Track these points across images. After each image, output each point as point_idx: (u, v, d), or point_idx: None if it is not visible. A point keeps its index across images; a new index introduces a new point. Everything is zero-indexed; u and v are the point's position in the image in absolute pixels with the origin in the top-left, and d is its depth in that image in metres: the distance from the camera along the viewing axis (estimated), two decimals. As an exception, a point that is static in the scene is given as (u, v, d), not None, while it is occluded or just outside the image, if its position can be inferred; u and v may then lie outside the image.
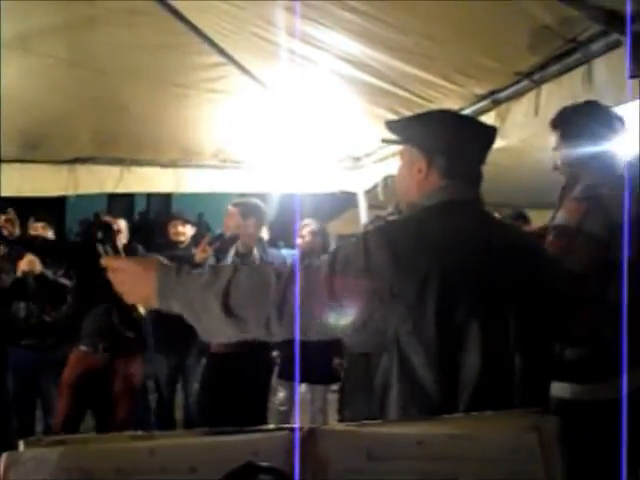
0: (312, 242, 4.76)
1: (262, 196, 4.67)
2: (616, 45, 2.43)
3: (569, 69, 2.74)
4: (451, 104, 3.56)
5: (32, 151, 4.75)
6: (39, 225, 4.77)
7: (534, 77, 2.98)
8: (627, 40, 2.18)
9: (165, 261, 1.59)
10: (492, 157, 1.72)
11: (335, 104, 4.21)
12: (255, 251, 4.12)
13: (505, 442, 0.78)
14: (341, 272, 1.44)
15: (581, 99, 2.54)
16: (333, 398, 5.24)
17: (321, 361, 4.69)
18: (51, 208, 5.71)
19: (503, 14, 2.62)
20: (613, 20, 2.33)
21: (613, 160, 2.36)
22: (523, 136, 3.24)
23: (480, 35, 2.89)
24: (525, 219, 5.37)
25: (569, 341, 1.78)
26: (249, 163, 5.04)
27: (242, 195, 4.75)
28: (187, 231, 5.45)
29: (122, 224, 4.34)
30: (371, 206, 5.23)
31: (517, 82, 3.11)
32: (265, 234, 4.80)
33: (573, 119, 2.40)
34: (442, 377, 1.42)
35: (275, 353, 4.93)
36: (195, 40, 3.89)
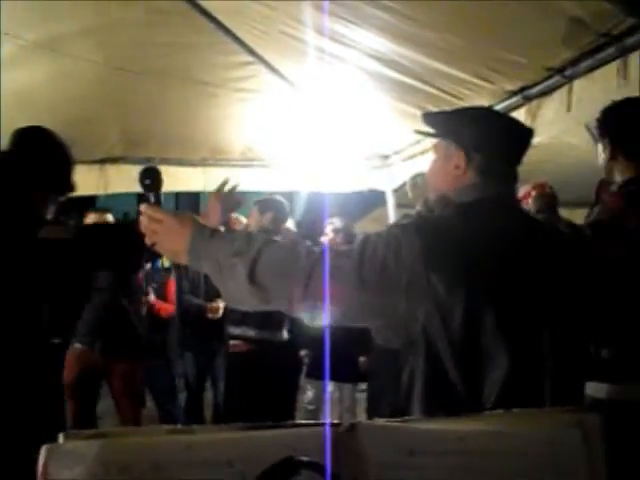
0: (335, 239, 4.75)
1: (290, 195, 4.68)
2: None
3: (602, 64, 2.69)
4: (481, 101, 3.53)
5: (65, 151, 4.79)
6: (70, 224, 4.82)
7: (565, 73, 2.93)
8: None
9: (200, 221, 1.59)
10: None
11: (363, 102, 4.20)
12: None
13: (547, 438, 0.77)
14: (370, 261, 1.43)
15: (615, 95, 2.50)
16: (361, 397, 5.24)
17: (349, 360, 4.69)
18: (81, 207, 5.77)
19: (533, 9, 2.58)
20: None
21: None
22: (554, 133, 3.20)
23: (510, 30, 2.86)
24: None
25: (606, 340, 1.76)
26: (277, 162, 5.05)
27: (271, 194, 4.76)
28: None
29: (109, 219, 4.37)
30: (399, 205, 5.21)
31: (548, 78, 3.06)
32: (293, 228, 4.82)
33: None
34: (469, 375, 1.40)
35: (303, 352, 4.94)
36: (224, 40, 3.90)
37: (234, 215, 5.21)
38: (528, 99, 3.25)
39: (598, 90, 2.75)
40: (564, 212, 5.67)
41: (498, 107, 3.42)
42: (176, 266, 5.60)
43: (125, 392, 4.29)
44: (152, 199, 1.69)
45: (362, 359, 4.75)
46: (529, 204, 2.55)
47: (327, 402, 4.85)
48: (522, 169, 1.77)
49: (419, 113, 3.96)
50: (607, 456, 0.85)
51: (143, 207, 1.62)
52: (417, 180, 4.64)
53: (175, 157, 4.89)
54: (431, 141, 4.32)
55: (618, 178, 2.26)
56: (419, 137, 4.26)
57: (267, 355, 4.35)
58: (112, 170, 5.00)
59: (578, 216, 3.03)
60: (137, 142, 4.84)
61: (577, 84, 2.91)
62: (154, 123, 4.62)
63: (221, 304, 4.98)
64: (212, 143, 4.81)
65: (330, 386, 5.14)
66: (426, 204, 4.35)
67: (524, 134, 1.68)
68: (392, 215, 5.20)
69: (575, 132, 3.44)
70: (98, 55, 4.02)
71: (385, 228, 1.53)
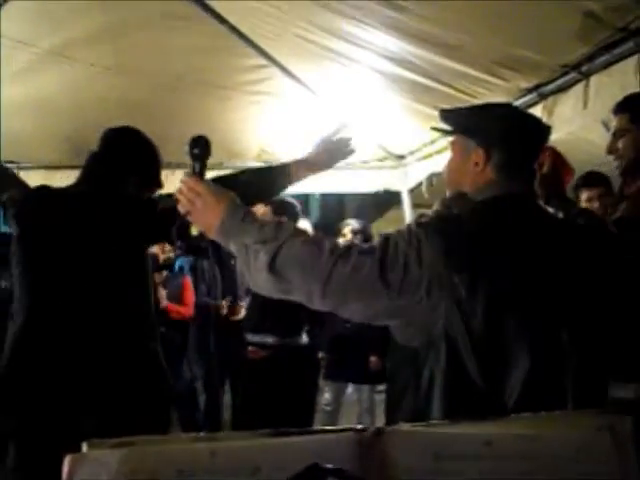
0: (353, 240, 4.74)
1: (306, 196, 4.67)
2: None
3: (620, 59, 2.66)
4: (496, 99, 3.50)
5: (78, 157, 4.81)
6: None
7: (582, 69, 2.91)
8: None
9: (238, 201, 1.59)
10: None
11: (378, 102, 4.19)
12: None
13: (576, 442, 0.75)
14: (392, 260, 1.43)
15: (633, 90, 2.47)
16: (380, 398, 5.22)
17: (366, 360, 4.68)
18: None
19: (547, 5, 2.56)
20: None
21: None
22: (571, 129, 3.16)
23: (524, 27, 2.83)
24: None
25: (632, 341, 1.73)
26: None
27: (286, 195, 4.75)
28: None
29: None
30: (415, 205, 5.18)
31: (564, 74, 3.03)
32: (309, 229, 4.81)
33: None
34: (490, 375, 1.39)
35: (321, 354, 4.93)
36: (238, 43, 3.91)
37: None
38: (544, 96, 3.23)
39: (615, 86, 2.72)
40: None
41: (514, 105, 3.41)
42: (193, 268, 5.62)
43: None
44: (197, 169, 1.68)
45: (373, 358, 4.72)
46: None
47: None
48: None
49: (434, 113, 3.95)
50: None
51: (185, 175, 1.63)
52: (433, 180, 4.62)
53: (190, 161, 4.90)
54: (447, 140, 4.31)
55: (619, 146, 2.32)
56: (434, 137, 4.24)
57: (286, 359, 4.35)
58: (128, 175, 5.01)
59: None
60: (152, 147, 4.85)
61: (593, 80, 2.88)
62: (169, 127, 4.61)
63: (243, 304, 4.99)
64: (228, 146, 4.82)
65: (348, 388, 5.14)
66: (443, 204, 4.32)
67: (542, 131, 1.67)
68: (408, 215, 5.18)
69: (592, 128, 3.42)
70: (111, 61, 4.04)
71: (405, 227, 1.52)
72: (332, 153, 2.34)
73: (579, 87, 2.97)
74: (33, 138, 4.54)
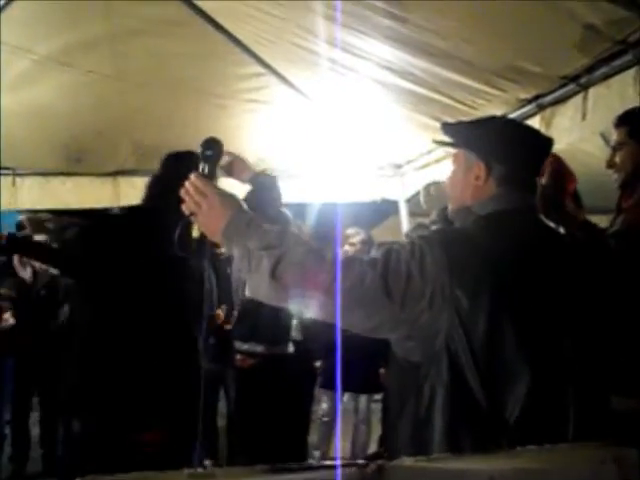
0: (362, 251, 4.72)
1: (303, 205, 4.66)
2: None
3: (618, 71, 2.66)
4: (494, 110, 3.50)
5: (76, 164, 4.81)
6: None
7: (580, 81, 2.91)
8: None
9: (244, 205, 1.58)
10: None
11: (376, 112, 4.18)
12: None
13: (582, 476, 0.73)
14: (395, 271, 1.41)
15: (632, 102, 2.47)
16: (377, 407, 5.20)
17: (364, 370, 4.66)
18: (95, 219, 5.78)
19: (546, 16, 2.56)
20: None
21: None
22: (570, 141, 3.15)
23: (523, 39, 2.83)
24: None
25: (633, 355, 1.71)
26: (290, 172, 5.03)
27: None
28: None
29: None
30: (413, 214, 5.18)
31: (563, 86, 3.03)
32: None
33: None
34: (492, 389, 1.38)
35: (318, 363, 4.91)
36: (235, 51, 3.91)
37: None
38: (542, 107, 3.22)
39: (614, 98, 2.72)
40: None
41: (512, 116, 3.40)
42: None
43: None
44: (206, 170, 1.66)
45: (382, 371, 4.71)
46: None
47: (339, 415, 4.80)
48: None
49: (432, 123, 3.97)
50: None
51: (194, 176, 1.60)
52: (430, 189, 4.61)
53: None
54: (444, 150, 4.32)
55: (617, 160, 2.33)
56: (432, 146, 4.24)
57: (277, 368, 4.33)
58: (125, 183, 5.01)
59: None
60: (150, 154, 4.82)
61: (592, 92, 2.87)
62: (166, 135, 4.60)
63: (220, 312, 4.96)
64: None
65: (345, 396, 5.11)
66: (441, 213, 4.30)
67: (544, 144, 1.66)
68: (405, 224, 5.18)
69: (590, 140, 3.42)
70: (109, 68, 4.03)
71: (408, 239, 1.51)
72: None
73: (578, 99, 2.96)
74: (30, 144, 4.52)
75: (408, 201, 5.16)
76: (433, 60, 3.19)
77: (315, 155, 4.84)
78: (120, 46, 3.91)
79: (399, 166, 5.10)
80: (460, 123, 1.78)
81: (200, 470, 0.79)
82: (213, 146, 1.71)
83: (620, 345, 1.56)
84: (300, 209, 4.38)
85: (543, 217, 1.67)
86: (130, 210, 2.59)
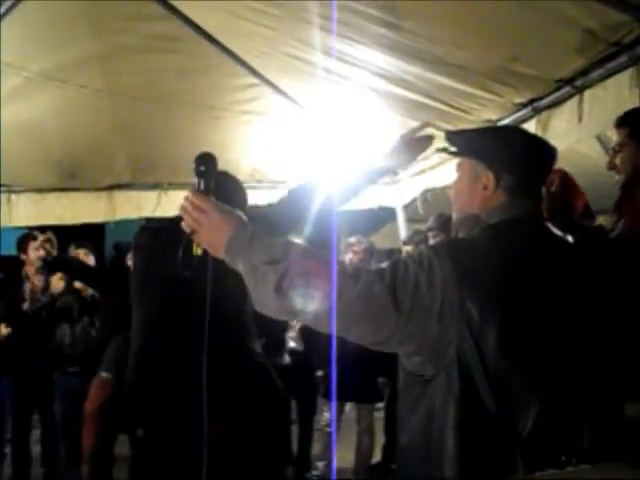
0: (365, 260, 4.70)
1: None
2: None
3: (614, 73, 2.65)
4: (489, 114, 3.50)
5: (71, 180, 4.81)
6: (80, 252, 4.80)
7: (576, 83, 2.90)
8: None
9: (245, 219, 1.55)
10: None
11: (371, 120, 4.18)
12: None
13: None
14: (403, 282, 1.39)
15: (627, 104, 2.46)
16: (379, 416, 5.17)
17: (366, 380, 4.63)
18: (91, 234, 5.76)
19: (540, 19, 2.55)
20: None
21: None
22: (566, 144, 3.15)
23: (517, 42, 2.83)
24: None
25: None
26: (286, 182, 5.02)
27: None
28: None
29: None
30: (410, 220, 5.17)
31: (558, 89, 3.02)
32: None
33: None
34: (505, 402, 1.36)
35: (320, 373, 4.88)
36: (229, 62, 3.91)
37: None
38: (538, 111, 3.22)
39: (610, 100, 2.71)
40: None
41: (507, 120, 3.40)
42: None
43: None
44: (202, 186, 1.64)
45: (381, 380, 4.68)
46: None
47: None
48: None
49: (427, 129, 3.96)
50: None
51: (191, 192, 1.59)
52: (427, 196, 4.61)
53: (183, 181, 4.87)
54: (440, 156, 4.31)
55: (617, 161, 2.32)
56: (428, 153, 4.22)
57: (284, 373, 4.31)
58: (120, 196, 5.00)
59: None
60: (144, 168, 4.84)
61: (588, 94, 2.87)
62: (161, 148, 4.61)
63: None
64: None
65: (347, 406, 5.08)
66: (438, 220, 4.28)
67: (550, 153, 1.65)
68: (403, 231, 5.17)
69: (587, 142, 3.41)
70: (103, 83, 4.02)
71: (417, 249, 1.49)
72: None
73: (573, 101, 2.96)
74: (25, 161, 4.52)
75: (405, 208, 5.15)
76: (427, 66, 3.19)
77: (310, 164, 4.83)
78: (113, 61, 3.91)
79: (394, 173, 5.08)
80: (465, 131, 1.76)
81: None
82: (207, 161, 1.69)
83: (631, 352, 1.54)
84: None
85: (550, 224, 1.65)
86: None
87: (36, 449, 4.83)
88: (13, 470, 4.67)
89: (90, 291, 4.60)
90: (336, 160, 4.75)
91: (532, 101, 3.22)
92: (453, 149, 1.68)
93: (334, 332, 1.43)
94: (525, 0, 2.44)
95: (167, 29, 3.68)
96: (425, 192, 4.62)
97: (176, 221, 1.64)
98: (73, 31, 3.63)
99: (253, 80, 4.08)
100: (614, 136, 2.40)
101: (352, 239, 4.85)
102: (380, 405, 5.18)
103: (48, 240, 3.98)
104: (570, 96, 2.98)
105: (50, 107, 4.11)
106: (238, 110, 4.28)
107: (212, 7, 3.47)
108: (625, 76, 2.58)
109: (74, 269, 4.25)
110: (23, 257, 4.58)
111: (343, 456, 4.84)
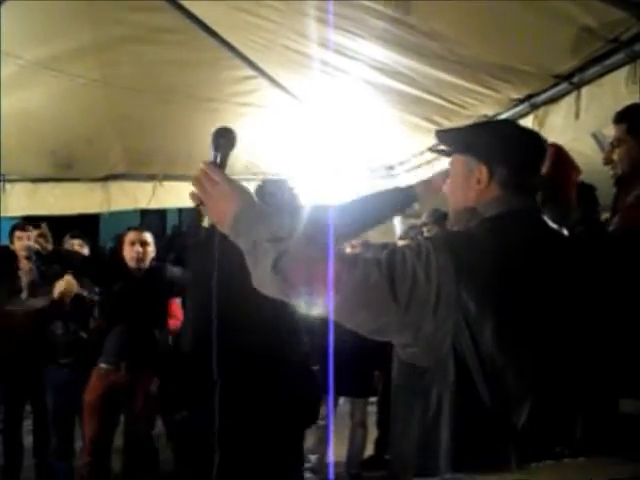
0: (362, 254, 4.69)
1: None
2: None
3: (611, 70, 2.65)
4: (486, 109, 3.50)
5: (66, 170, 4.79)
6: (75, 242, 4.77)
7: (573, 80, 2.90)
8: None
9: (254, 198, 1.54)
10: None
11: (367, 113, 4.17)
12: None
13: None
14: (400, 272, 1.39)
15: (625, 101, 2.46)
16: (372, 410, 5.18)
17: (360, 373, 4.64)
18: (85, 225, 5.74)
19: (538, 16, 2.55)
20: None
21: None
22: (563, 140, 3.14)
23: (515, 38, 2.83)
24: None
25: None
26: (281, 175, 5.01)
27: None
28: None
29: (149, 237, 4.28)
30: (405, 215, 5.16)
31: (555, 85, 3.03)
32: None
33: None
34: (500, 394, 1.36)
35: (315, 367, 4.87)
36: (226, 55, 3.89)
37: None
38: (535, 107, 3.22)
39: (607, 97, 2.71)
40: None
41: (504, 115, 3.39)
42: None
43: (148, 408, 4.22)
44: (218, 159, 1.63)
45: (377, 373, 4.69)
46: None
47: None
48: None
49: (423, 124, 3.96)
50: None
51: (206, 164, 1.58)
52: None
53: (178, 173, 4.86)
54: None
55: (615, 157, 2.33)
56: (423, 147, 4.23)
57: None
58: (115, 187, 4.99)
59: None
60: (140, 159, 4.82)
61: (585, 91, 2.87)
62: (156, 140, 4.59)
63: None
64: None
65: (340, 400, 5.08)
66: (432, 214, 4.28)
67: (541, 145, 1.65)
68: (398, 225, 5.16)
69: (583, 139, 3.40)
70: (99, 73, 4.01)
71: (414, 240, 1.49)
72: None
73: (570, 98, 2.96)
74: (20, 151, 4.49)
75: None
76: (425, 60, 3.18)
77: (307, 157, 4.83)
78: (110, 52, 3.89)
79: (391, 167, 5.09)
80: (456, 129, 1.77)
81: None
82: (226, 134, 1.67)
83: (628, 347, 1.54)
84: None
85: (546, 217, 1.65)
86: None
87: (28, 440, 4.81)
88: (5, 461, 4.66)
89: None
90: (333, 153, 4.76)
91: (529, 97, 3.22)
92: (444, 148, 1.69)
93: (331, 317, 1.43)
94: (524, -3, 2.44)
95: (165, 20, 3.66)
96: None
97: None
98: (70, 21, 3.61)
99: (251, 72, 4.07)
100: (612, 132, 2.40)
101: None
102: (373, 399, 5.18)
103: (41, 235, 3.95)
104: (567, 92, 2.98)
105: (45, 97, 4.09)
106: (235, 102, 4.27)
107: (210, -1, 3.46)
108: (622, 73, 2.58)
109: (71, 262, 4.23)
110: (12, 247, 4.55)
111: (336, 450, 4.85)
